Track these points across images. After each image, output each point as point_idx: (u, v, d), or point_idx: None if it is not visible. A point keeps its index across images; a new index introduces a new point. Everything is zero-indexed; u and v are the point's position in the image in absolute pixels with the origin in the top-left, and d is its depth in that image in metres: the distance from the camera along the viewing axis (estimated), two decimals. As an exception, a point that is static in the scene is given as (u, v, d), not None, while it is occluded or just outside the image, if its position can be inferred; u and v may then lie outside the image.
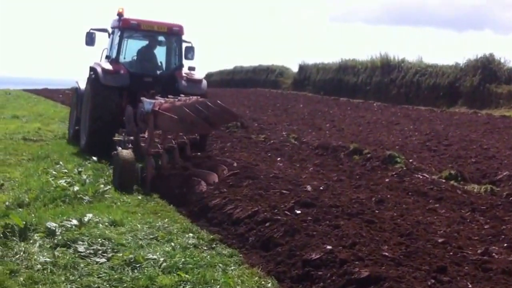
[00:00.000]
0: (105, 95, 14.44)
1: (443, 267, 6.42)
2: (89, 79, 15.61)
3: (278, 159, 14.21)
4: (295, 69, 53.22)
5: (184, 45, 16.08)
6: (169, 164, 11.99)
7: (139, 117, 12.92)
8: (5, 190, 10.25)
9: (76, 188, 9.51)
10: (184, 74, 15.46)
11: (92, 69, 15.55)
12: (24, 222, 7.30)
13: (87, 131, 14.83)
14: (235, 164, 12.35)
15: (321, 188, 10.57)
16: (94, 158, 13.14)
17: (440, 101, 32.87)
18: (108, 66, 14.99)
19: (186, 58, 16.17)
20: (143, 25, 15.66)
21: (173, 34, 15.91)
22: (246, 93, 48.38)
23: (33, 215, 7.91)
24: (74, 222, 7.75)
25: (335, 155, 14.89)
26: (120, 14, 15.58)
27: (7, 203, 8.85)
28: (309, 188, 10.52)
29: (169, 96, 13.31)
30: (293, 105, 33.62)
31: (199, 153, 13.80)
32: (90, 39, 16.10)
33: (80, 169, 11.51)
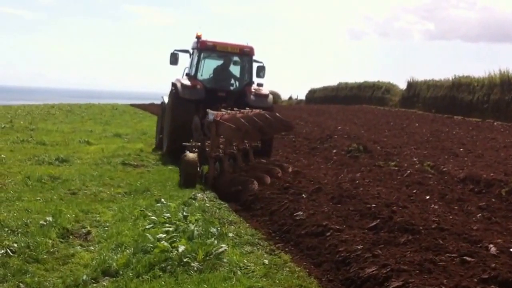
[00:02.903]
0: (183, 107, 15.54)
1: None
2: (170, 93, 16.65)
3: (427, 197, 10.96)
4: (401, 85, 49.79)
5: (256, 64, 17.26)
6: (231, 167, 12.99)
7: (205, 126, 13.87)
8: (91, 243, 7.52)
9: (181, 248, 6.63)
10: (253, 90, 16.55)
11: (173, 84, 16.58)
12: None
13: (167, 139, 16.07)
14: (290, 169, 13.17)
15: (511, 250, 7.34)
16: (200, 195, 10.55)
17: None
18: (187, 82, 16.11)
19: (258, 76, 17.28)
20: (218, 46, 16.93)
21: (244, 54, 17.09)
22: (352, 110, 45.09)
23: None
24: (178, 318, 4.89)
25: (498, 194, 11.47)
26: (198, 37, 16.91)
27: (84, 277, 6.05)
28: (492, 249, 7.33)
29: (234, 108, 14.38)
30: (408, 124, 30.11)
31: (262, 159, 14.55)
32: (174, 59, 17.31)
33: (185, 212, 8.71)
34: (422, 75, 58.68)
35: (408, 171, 13.74)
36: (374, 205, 9.58)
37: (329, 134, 22.71)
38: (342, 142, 20.10)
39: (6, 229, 7.55)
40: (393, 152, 17.58)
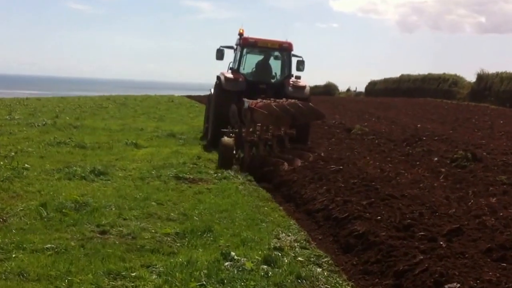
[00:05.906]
0: (226, 98, 15.82)
1: None
2: (215, 85, 17.00)
3: None
4: (468, 77, 45.42)
5: (295, 59, 17.54)
6: (266, 151, 13.19)
7: (242, 113, 14.20)
8: None
9: None
10: (291, 82, 16.70)
11: (218, 77, 16.94)
12: None
13: (211, 127, 16.40)
14: (322, 154, 13.22)
15: None
16: (284, 235, 6.98)
17: None
18: (229, 75, 16.62)
19: (298, 69, 17.55)
20: (259, 42, 17.24)
21: (283, 49, 17.36)
22: (418, 103, 40.78)
23: None
24: None
25: None
26: (241, 34, 17.31)
27: None
28: None
29: (270, 98, 14.30)
30: (493, 122, 25.82)
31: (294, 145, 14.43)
32: (220, 55, 17.67)
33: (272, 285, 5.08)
34: (477, 67, 53.14)
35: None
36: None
37: (414, 135, 18.78)
38: (437, 146, 16.15)
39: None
40: (508, 161, 13.57)
